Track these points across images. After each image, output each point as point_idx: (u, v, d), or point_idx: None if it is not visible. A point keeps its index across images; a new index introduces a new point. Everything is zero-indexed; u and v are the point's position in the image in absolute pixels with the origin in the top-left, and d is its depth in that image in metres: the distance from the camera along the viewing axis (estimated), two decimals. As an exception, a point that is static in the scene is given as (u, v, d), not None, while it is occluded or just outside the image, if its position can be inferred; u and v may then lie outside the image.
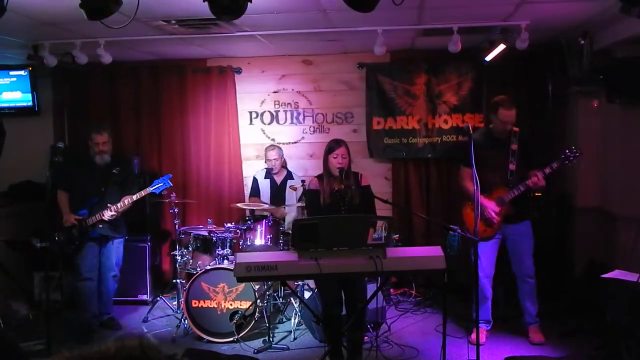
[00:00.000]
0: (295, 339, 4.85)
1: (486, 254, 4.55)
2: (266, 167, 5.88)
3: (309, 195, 4.36)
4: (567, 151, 4.34)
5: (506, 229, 4.60)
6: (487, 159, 4.54)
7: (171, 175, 5.09)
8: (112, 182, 5.05)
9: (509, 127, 4.54)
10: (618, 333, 3.87)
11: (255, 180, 5.94)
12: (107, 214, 4.88)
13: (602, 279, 3.94)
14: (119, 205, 4.89)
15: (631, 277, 3.74)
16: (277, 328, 5.14)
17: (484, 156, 4.55)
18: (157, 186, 4.95)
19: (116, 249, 5.14)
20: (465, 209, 4.70)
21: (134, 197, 4.91)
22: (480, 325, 4.67)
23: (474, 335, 4.27)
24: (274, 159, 5.72)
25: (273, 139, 6.51)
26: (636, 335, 3.69)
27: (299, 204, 5.40)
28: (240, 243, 5.21)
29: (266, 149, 5.88)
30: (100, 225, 4.96)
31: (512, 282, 4.76)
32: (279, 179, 5.84)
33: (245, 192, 6.45)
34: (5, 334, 4.22)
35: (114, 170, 5.07)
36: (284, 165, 5.91)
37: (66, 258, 5.18)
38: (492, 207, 4.48)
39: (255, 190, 5.88)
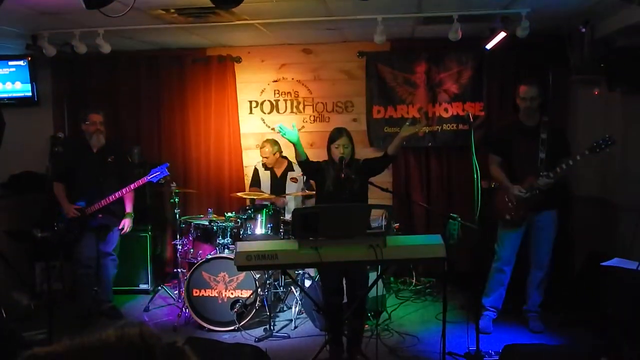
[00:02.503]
0: (295, 327, 4.88)
1: (511, 242, 4.65)
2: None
3: (313, 164, 4.22)
4: (600, 140, 4.25)
5: (533, 216, 4.62)
6: (517, 148, 4.55)
7: (168, 164, 5.08)
8: (109, 171, 5.05)
9: (533, 105, 4.52)
10: (618, 323, 3.88)
11: (256, 170, 5.92)
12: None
13: (602, 267, 3.95)
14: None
15: (630, 264, 3.74)
16: (277, 317, 5.16)
17: (515, 144, 4.57)
18: (154, 175, 4.94)
19: (114, 236, 5.17)
20: (497, 194, 4.73)
21: (132, 187, 4.93)
22: (488, 312, 4.71)
23: (481, 322, 4.29)
24: (265, 157, 5.68)
25: (273, 129, 6.49)
26: (637, 325, 3.70)
27: (300, 193, 5.41)
28: (241, 232, 5.22)
29: (261, 144, 5.83)
30: (100, 215, 4.97)
31: (515, 273, 4.76)
32: (278, 171, 5.80)
33: (245, 181, 6.45)
34: (6, 324, 4.26)
35: (109, 159, 5.07)
36: (283, 157, 5.89)
37: (66, 248, 5.20)
38: (517, 187, 4.51)
39: (256, 181, 5.86)
